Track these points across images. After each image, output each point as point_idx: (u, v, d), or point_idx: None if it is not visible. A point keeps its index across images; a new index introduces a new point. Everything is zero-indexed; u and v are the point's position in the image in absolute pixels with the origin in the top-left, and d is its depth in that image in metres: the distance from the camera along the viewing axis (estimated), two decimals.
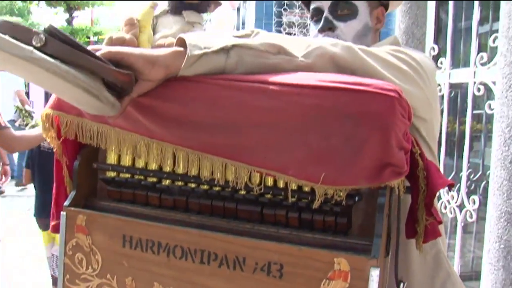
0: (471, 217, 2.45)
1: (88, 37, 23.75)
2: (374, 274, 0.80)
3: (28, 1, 22.72)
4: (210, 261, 0.92)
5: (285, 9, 7.18)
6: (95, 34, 24.83)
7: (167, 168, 1.00)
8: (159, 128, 0.92)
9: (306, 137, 0.82)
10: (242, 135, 0.86)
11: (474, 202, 2.43)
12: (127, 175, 1.07)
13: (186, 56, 0.84)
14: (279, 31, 7.23)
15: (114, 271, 1.04)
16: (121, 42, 1.22)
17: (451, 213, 2.61)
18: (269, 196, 0.91)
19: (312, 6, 1.33)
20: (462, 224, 2.54)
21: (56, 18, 24.03)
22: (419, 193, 0.92)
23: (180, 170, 0.97)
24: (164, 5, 1.34)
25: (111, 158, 1.08)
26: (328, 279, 0.83)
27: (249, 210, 0.94)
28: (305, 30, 7.41)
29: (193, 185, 0.98)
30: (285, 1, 7.15)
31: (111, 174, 1.09)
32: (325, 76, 0.85)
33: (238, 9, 9.75)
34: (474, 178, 2.56)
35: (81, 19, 24.31)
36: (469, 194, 2.50)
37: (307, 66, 0.90)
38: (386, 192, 0.84)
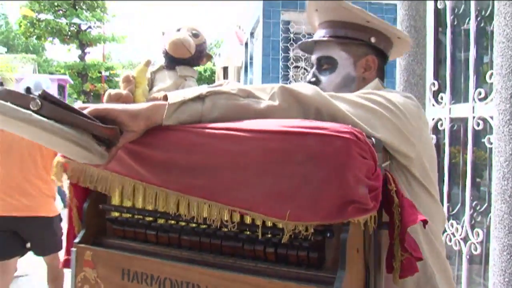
0: (476, 250, 2.47)
1: (100, 72, 24.24)
2: None
3: (42, 39, 23.30)
4: None
5: (291, 44, 7.32)
6: (107, 69, 25.35)
7: (161, 208, 1.07)
8: (147, 172, 1.02)
9: (271, 178, 0.89)
10: (217, 177, 0.94)
11: (478, 235, 2.45)
12: (128, 215, 1.16)
13: (167, 105, 0.96)
14: (286, 66, 7.38)
15: None
16: (118, 97, 1.34)
17: (456, 246, 2.63)
18: (247, 232, 0.98)
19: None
20: (468, 256, 2.56)
21: (69, 54, 24.66)
22: (395, 229, 0.97)
23: (170, 210, 1.05)
24: (161, 62, 1.45)
25: (115, 200, 1.19)
26: None
27: (231, 246, 1.01)
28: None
29: (183, 223, 1.07)
30: (292, 36, 7.31)
31: (115, 214, 1.19)
32: (288, 122, 0.92)
33: (246, 44, 9.95)
34: (481, 210, 2.58)
35: (94, 54, 24.90)
36: (473, 226, 2.53)
37: (273, 106, 0.99)
38: (350, 228, 0.89)
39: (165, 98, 1.00)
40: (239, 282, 0.94)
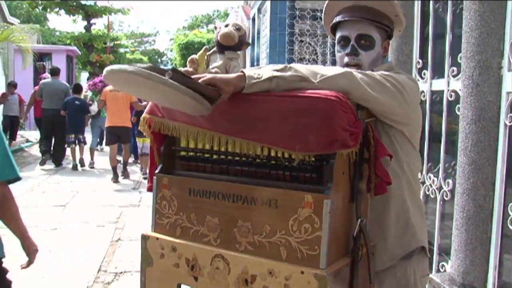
0: (447, 196, 3.09)
1: (105, 43, 24.42)
2: (327, 204, 1.30)
3: (48, 10, 23.38)
4: (238, 200, 1.44)
5: (297, 21, 7.82)
6: (112, 40, 25.51)
7: (215, 147, 1.52)
8: (206, 122, 1.47)
9: (287, 125, 1.33)
10: (253, 124, 1.40)
11: (448, 184, 3.06)
12: (192, 153, 1.61)
13: (246, 83, 1.37)
14: (292, 40, 7.89)
15: (184, 211, 1.56)
16: (186, 73, 1.70)
17: (433, 194, 3.25)
18: (273, 162, 1.43)
19: (340, 34, 1.73)
20: (441, 202, 3.17)
21: (74, 25, 24.74)
22: (371, 161, 1.45)
23: (222, 147, 1.51)
24: (214, 48, 1.94)
25: (183, 143, 1.63)
26: (302, 207, 1.33)
27: (261, 171, 1.46)
28: (315, 39, 8.05)
29: (229, 157, 1.51)
30: (297, 13, 7.80)
31: (182, 153, 1.64)
32: (302, 90, 1.36)
33: (254, 19, 10.39)
34: (452, 164, 3.16)
35: (96, 25, 24.88)
36: (446, 178, 3.13)
37: (319, 87, 1.37)
38: (336, 157, 1.33)
39: (241, 72, 1.40)
40: (266, 192, 1.41)
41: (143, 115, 1.71)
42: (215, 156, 1.56)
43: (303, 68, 1.43)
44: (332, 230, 1.32)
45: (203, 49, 1.95)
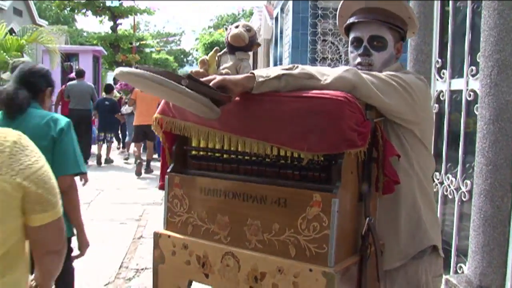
0: (465, 197, 3.06)
1: (131, 43, 24.71)
2: (335, 203, 1.32)
3: (76, 11, 23.80)
4: (248, 199, 1.47)
5: (319, 20, 7.80)
6: (138, 40, 25.79)
7: (226, 147, 1.55)
8: (216, 122, 1.49)
9: (295, 125, 1.35)
10: (263, 125, 1.42)
11: (466, 185, 3.03)
12: (203, 153, 1.64)
13: (256, 82, 1.39)
14: (314, 40, 7.87)
15: (195, 209, 1.59)
16: (197, 74, 1.77)
17: (451, 195, 3.22)
18: (282, 161, 1.46)
19: (353, 35, 1.76)
20: (459, 203, 3.15)
21: (99, 25, 25.06)
22: (379, 161, 1.47)
23: (232, 147, 1.53)
24: (224, 49, 1.99)
25: (194, 142, 1.65)
26: (310, 206, 1.35)
27: (271, 170, 1.48)
28: (338, 38, 8.01)
29: (240, 157, 1.54)
30: (320, 13, 7.78)
31: (194, 152, 1.67)
32: (310, 90, 1.38)
33: (277, 19, 10.41)
34: (470, 165, 3.14)
35: (122, 25, 25.21)
36: (464, 178, 3.11)
37: (327, 84, 1.40)
38: (344, 156, 1.35)
39: (252, 73, 1.43)
40: (276, 191, 1.44)
41: (155, 115, 1.73)
42: (225, 156, 1.59)
43: (310, 68, 1.47)
44: (340, 228, 1.34)
45: (213, 50, 1.99)
